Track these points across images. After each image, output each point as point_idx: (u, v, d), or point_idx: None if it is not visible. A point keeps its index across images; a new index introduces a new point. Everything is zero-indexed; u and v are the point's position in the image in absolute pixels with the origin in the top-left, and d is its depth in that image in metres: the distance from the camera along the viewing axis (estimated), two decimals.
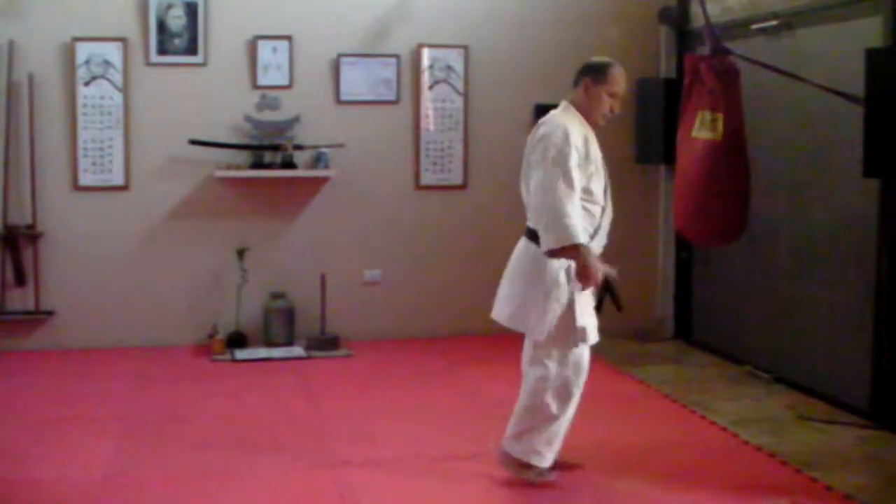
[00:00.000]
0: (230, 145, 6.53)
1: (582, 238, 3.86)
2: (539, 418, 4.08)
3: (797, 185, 5.63)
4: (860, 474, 4.29)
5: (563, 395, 4.07)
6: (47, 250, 6.45)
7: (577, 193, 3.92)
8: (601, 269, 3.91)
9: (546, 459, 4.13)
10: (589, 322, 4.05)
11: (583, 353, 4.09)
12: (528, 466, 4.13)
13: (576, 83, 4.18)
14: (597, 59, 4.21)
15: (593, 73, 4.14)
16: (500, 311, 4.18)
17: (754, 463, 4.44)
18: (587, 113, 4.14)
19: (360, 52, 6.72)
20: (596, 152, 4.10)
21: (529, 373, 4.13)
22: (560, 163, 3.91)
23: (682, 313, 7.01)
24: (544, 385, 4.06)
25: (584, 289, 3.95)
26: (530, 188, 4.03)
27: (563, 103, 4.18)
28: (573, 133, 3.99)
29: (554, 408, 4.06)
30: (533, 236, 4.04)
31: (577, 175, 3.93)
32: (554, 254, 3.90)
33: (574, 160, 3.94)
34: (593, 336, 4.08)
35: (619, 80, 4.14)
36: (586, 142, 4.05)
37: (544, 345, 4.04)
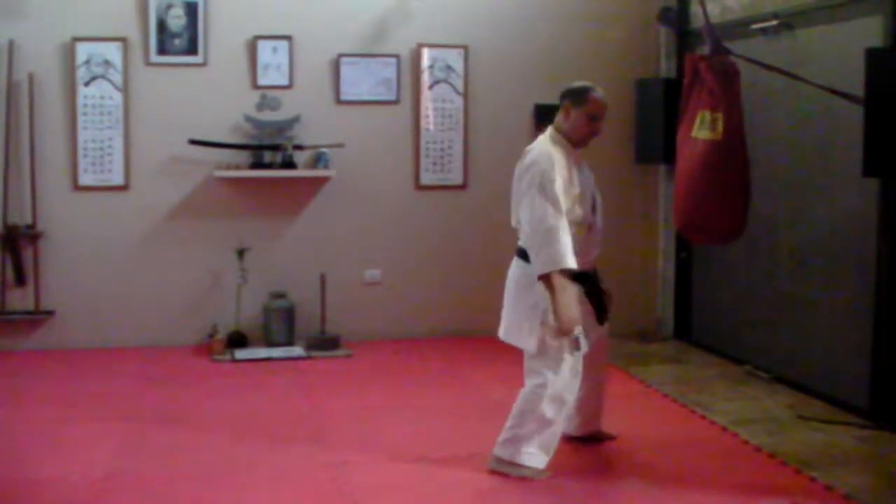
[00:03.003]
0: (230, 145, 6.53)
1: (570, 263, 3.96)
2: (533, 423, 4.14)
3: (797, 184, 5.63)
4: (860, 474, 4.29)
5: (558, 401, 4.15)
6: (47, 250, 6.45)
7: (565, 218, 4.02)
8: (573, 314, 3.96)
9: (542, 462, 4.18)
10: (580, 332, 4.09)
11: (577, 361, 4.15)
12: (521, 466, 4.16)
13: (559, 108, 4.27)
14: (576, 83, 4.33)
15: (573, 98, 4.25)
16: (500, 329, 4.34)
17: (754, 463, 4.44)
18: (570, 136, 4.24)
19: (360, 52, 6.72)
20: (581, 176, 4.21)
21: (527, 382, 4.22)
22: (548, 189, 4.03)
23: (682, 313, 7.02)
24: (541, 392, 4.14)
25: (558, 332, 3.99)
26: (521, 215, 4.12)
27: (549, 129, 4.28)
28: (557, 159, 4.11)
29: (548, 413, 4.14)
30: (523, 255, 4.17)
31: (563, 200, 4.03)
32: (544, 280, 3.99)
33: (559, 186, 4.05)
34: (585, 345, 4.13)
35: (599, 102, 4.24)
36: (570, 167, 4.15)
37: (539, 355, 4.13)
